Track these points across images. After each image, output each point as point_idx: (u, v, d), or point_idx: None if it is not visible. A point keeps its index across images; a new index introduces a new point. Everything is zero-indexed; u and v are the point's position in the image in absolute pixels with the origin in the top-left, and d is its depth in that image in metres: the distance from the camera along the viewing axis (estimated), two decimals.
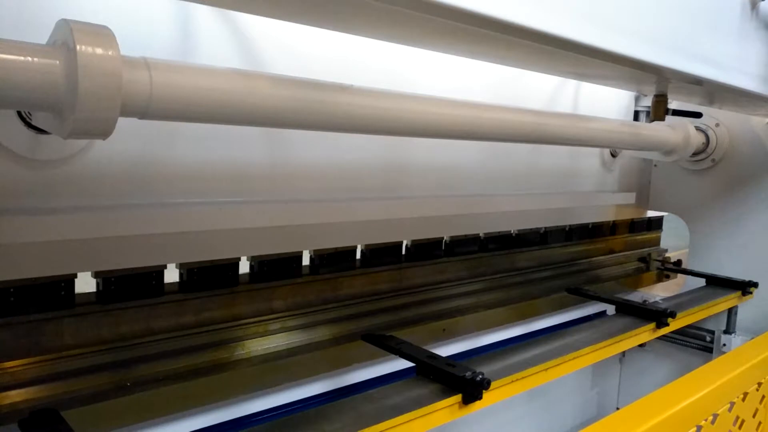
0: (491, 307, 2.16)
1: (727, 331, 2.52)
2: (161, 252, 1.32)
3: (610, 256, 2.87)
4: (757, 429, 1.87)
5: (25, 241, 1.08)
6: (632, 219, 2.92)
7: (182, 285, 1.47)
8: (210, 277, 1.49)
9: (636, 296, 2.76)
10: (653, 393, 1.53)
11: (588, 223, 2.67)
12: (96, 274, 1.33)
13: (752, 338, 2.44)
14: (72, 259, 1.20)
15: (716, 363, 1.88)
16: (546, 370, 1.55)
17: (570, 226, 2.57)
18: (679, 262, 2.97)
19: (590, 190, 2.51)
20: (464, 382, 1.34)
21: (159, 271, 1.41)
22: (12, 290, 1.21)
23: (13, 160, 1.09)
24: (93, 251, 1.21)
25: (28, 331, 1.24)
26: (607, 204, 2.61)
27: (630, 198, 2.64)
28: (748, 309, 2.49)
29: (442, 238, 2.07)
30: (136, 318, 1.39)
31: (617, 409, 2.42)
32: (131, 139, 1.22)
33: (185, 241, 1.34)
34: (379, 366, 1.77)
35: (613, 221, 2.82)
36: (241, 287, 1.56)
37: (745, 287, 2.42)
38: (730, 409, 1.68)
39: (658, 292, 2.83)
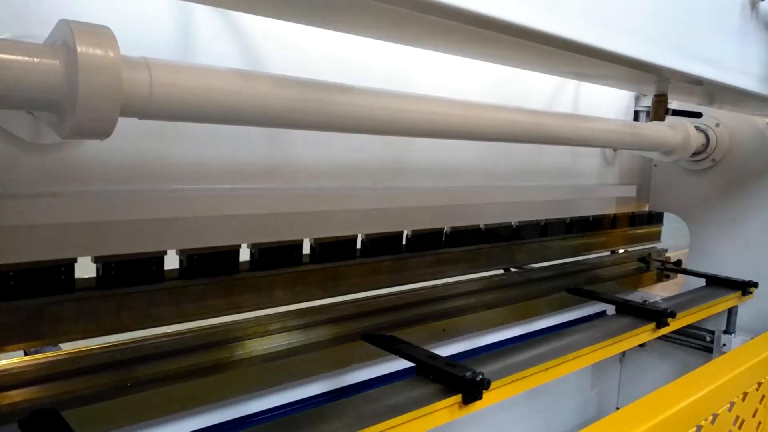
0: (491, 307, 2.16)
1: (727, 331, 2.52)
2: (162, 237, 1.32)
3: (611, 252, 2.87)
4: (757, 429, 1.87)
5: (27, 223, 1.09)
6: (633, 213, 2.91)
7: (182, 272, 1.46)
8: (210, 264, 1.48)
9: (636, 296, 2.77)
10: (653, 393, 1.53)
11: (589, 216, 2.67)
12: (96, 259, 1.32)
13: (752, 338, 2.44)
14: (73, 243, 1.20)
15: (716, 363, 1.88)
16: (546, 370, 1.55)
17: (571, 218, 2.57)
18: (679, 262, 2.97)
19: (591, 184, 2.51)
20: (464, 382, 1.34)
21: (159, 257, 1.39)
22: (11, 273, 1.19)
23: (15, 145, 1.08)
24: (94, 235, 1.21)
25: (28, 316, 1.23)
26: (608, 196, 2.60)
27: (631, 191, 2.64)
28: (748, 309, 2.49)
29: (443, 228, 2.07)
30: (136, 303, 1.38)
31: (617, 409, 2.42)
32: (135, 124, 1.22)
33: (185, 227, 1.34)
34: (379, 366, 1.77)
35: (614, 214, 2.80)
36: (241, 274, 1.55)
37: (745, 287, 2.42)
38: (730, 409, 1.68)
39: (658, 292, 2.83)
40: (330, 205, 1.56)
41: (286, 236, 1.59)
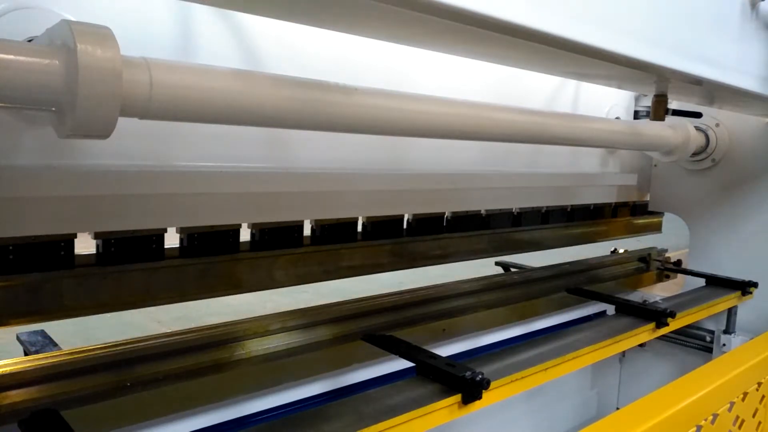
0: (491, 307, 2.16)
1: (726, 331, 2.52)
2: (161, 213, 1.32)
3: (611, 251, 2.86)
4: (757, 429, 1.87)
5: (25, 195, 1.09)
6: (634, 202, 2.90)
7: (182, 250, 1.46)
8: (210, 243, 1.48)
9: (636, 296, 2.76)
10: (653, 393, 1.53)
11: (590, 204, 2.66)
12: (96, 236, 1.32)
13: (752, 338, 2.44)
14: (71, 217, 1.20)
15: (716, 363, 1.88)
16: (545, 370, 1.55)
17: (572, 206, 2.56)
18: (679, 262, 2.97)
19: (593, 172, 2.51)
20: (464, 382, 1.34)
21: (159, 234, 1.39)
22: (11, 248, 1.19)
23: (18, 117, 1.07)
24: (93, 209, 1.21)
25: (26, 291, 1.23)
26: (609, 184, 2.60)
27: (632, 179, 2.63)
28: (748, 309, 2.49)
29: (444, 213, 2.06)
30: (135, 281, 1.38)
31: (617, 409, 2.42)
32: None
33: (186, 204, 1.34)
34: (380, 366, 1.77)
35: (615, 203, 2.79)
36: (242, 254, 1.54)
37: (744, 287, 2.42)
38: (730, 409, 1.68)
39: (658, 293, 2.82)
40: (331, 186, 1.56)
41: (287, 216, 1.58)
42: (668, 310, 1.99)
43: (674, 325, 2.03)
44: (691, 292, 2.45)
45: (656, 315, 1.98)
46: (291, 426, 1.18)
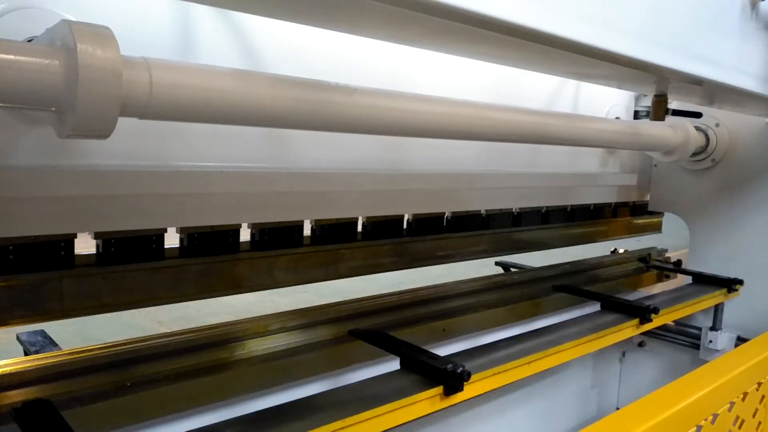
0: (489, 307, 2.16)
1: (713, 328, 2.53)
2: (161, 213, 1.32)
3: (611, 251, 2.87)
4: (757, 429, 1.87)
5: (26, 196, 1.09)
6: (633, 202, 2.91)
7: (183, 250, 1.46)
8: (211, 243, 1.48)
9: (636, 296, 2.76)
10: (653, 393, 1.53)
11: (590, 205, 2.66)
12: (96, 236, 1.32)
13: (738, 335, 2.45)
14: (73, 218, 1.20)
15: (716, 363, 1.87)
16: (528, 363, 1.57)
17: (572, 207, 2.56)
18: (679, 262, 2.97)
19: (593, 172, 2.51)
20: (445, 374, 1.35)
21: (159, 234, 1.40)
22: (11, 248, 1.19)
23: (17, 117, 1.08)
24: (93, 209, 1.21)
25: (26, 291, 1.23)
26: (609, 184, 2.60)
27: (632, 179, 2.64)
28: (744, 307, 2.50)
29: (444, 213, 2.07)
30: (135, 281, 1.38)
31: (617, 409, 2.42)
32: None
33: (186, 204, 1.35)
34: (379, 366, 1.77)
35: (615, 204, 2.79)
36: (242, 254, 1.55)
37: (730, 284, 2.44)
38: (730, 409, 1.67)
39: (658, 293, 2.83)
40: (331, 186, 1.57)
41: (287, 216, 1.58)
42: (651, 307, 2.01)
43: (658, 321, 2.04)
44: (677, 289, 2.47)
45: (640, 311, 2.00)
46: (274, 416, 1.19)
